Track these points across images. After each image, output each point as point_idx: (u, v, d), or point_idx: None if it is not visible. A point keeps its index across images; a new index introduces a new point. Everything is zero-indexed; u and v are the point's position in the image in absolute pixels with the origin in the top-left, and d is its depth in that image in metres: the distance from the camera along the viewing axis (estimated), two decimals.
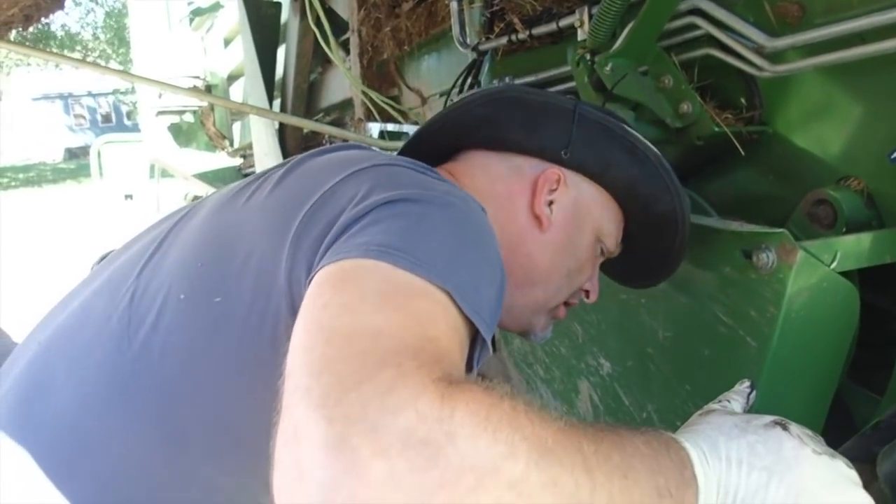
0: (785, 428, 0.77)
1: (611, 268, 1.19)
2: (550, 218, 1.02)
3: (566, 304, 1.11)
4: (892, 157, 1.12)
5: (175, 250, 0.88)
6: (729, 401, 0.91)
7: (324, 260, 0.70)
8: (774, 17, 1.19)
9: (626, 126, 1.06)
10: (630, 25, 1.33)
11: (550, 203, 1.02)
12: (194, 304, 0.81)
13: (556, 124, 1.03)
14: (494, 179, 1.03)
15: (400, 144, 1.97)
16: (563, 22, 1.58)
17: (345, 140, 2.22)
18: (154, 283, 0.85)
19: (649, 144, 1.06)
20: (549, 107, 1.04)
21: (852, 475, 0.76)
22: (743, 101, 1.33)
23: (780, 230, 0.97)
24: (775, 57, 1.19)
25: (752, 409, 0.97)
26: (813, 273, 0.98)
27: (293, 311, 0.74)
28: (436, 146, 1.09)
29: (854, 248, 1.04)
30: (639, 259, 1.15)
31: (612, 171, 1.05)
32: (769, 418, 0.78)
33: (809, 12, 1.16)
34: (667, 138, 1.37)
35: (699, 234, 1.09)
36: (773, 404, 1.06)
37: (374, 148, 1.04)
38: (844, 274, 1.04)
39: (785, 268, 0.96)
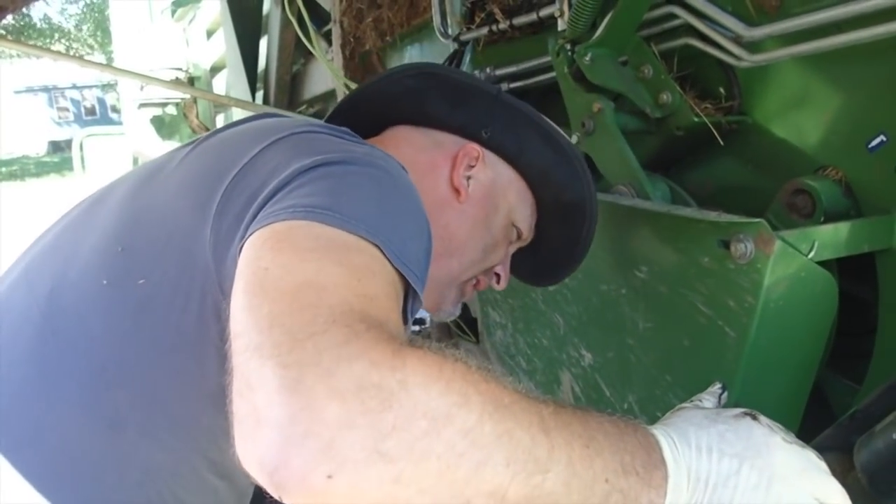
0: (754, 418, 0.77)
1: (520, 265, 1.22)
2: (468, 191, 1.05)
3: (476, 284, 1.15)
4: (870, 146, 1.12)
5: (93, 236, 0.87)
6: (701, 400, 0.93)
7: (253, 226, 0.71)
8: (752, 7, 1.19)
9: (543, 116, 1.10)
10: (610, 15, 1.32)
11: (469, 178, 1.06)
12: (118, 288, 0.81)
13: (478, 104, 1.07)
14: (417, 150, 1.06)
15: None
16: (544, 12, 1.57)
17: None
18: (73, 272, 0.84)
19: (564, 134, 1.11)
20: (473, 88, 1.08)
21: (822, 465, 0.76)
22: (722, 90, 1.33)
23: (758, 220, 0.96)
24: (753, 47, 1.19)
25: (727, 405, 0.97)
26: (791, 263, 0.98)
27: (220, 288, 0.76)
28: (362, 119, 1.11)
29: (832, 237, 1.04)
30: (547, 251, 1.20)
31: (527, 155, 1.09)
32: (739, 410, 0.79)
33: (787, 2, 1.16)
34: (647, 128, 1.37)
35: (678, 225, 1.09)
36: (752, 394, 1.06)
37: (289, 115, 1.06)
38: (823, 263, 1.04)
39: (763, 258, 0.96)
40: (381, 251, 0.70)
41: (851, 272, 1.15)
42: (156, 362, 0.80)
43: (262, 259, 0.65)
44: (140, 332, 0.80)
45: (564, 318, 1.43)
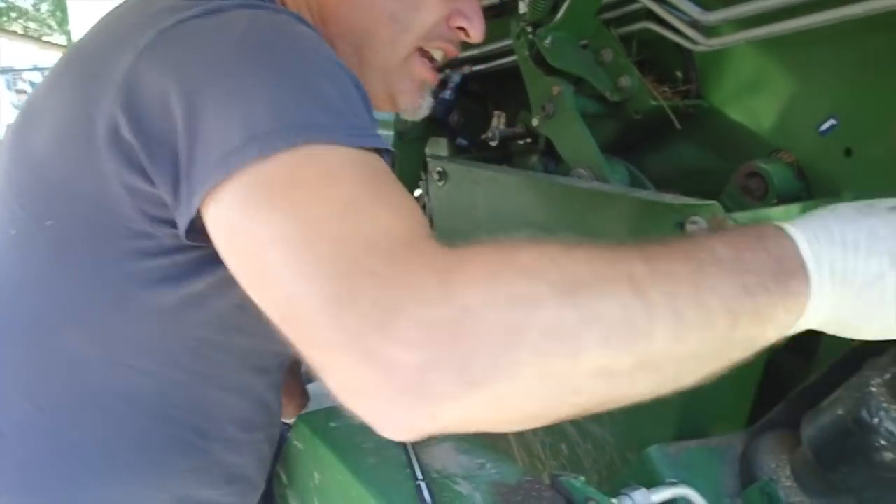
0: None
1: None
2: None
3: (435, 59, 1.00)
4: (821, 129, 1.14)
5: None
6: None
7: (195, 198, 0.66)
8: None
9: None
10: None
11: None
12: (28, 235, 0.79)
13: None
14: None
15: None
16: None
17: None
18: None
19: None
20: None
21: None
22: (679, 74, 1.34)
23: (711, 202, 0.98)
24: (709, 31, 1.20)
25: None
26: None
27: (143, 214, 0.74)
28: None
29: (783, 218, 1.05)
30: None
31: None
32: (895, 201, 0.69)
33: None
34: (606, 112, 1.38)
35: (634, 207, 1.11)
36: None
37: None
38: None
39: None
40: (337, 144, 0.64)
41: None
42: (94, 295, 0.79)
43: (256, 237, 0.61)
44: (67, 271, 0.78)
45: None
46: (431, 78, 0.97)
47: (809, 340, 1.20)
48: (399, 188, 0.65)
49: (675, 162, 1.45)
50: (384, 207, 0.61)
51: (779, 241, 0.63)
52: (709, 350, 0.59)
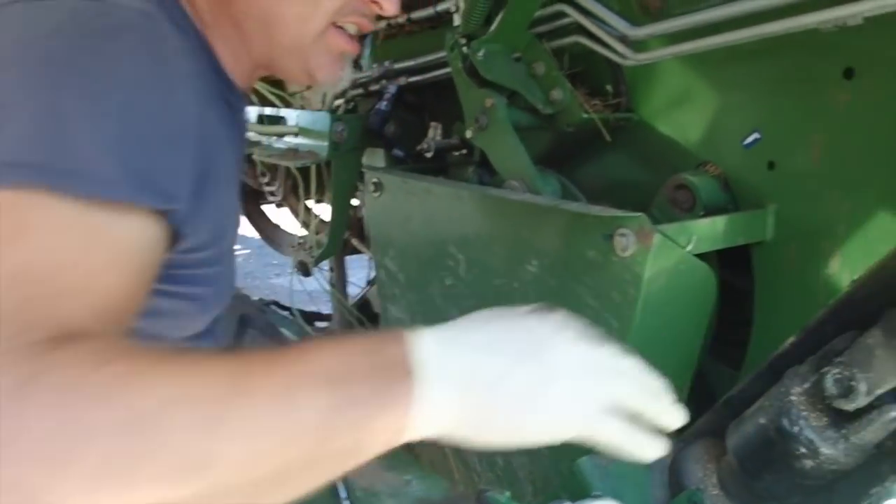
0: (547, 313, 0.66)
1: None
2: None
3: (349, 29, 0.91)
4: (746, 143, 1.17)
5: None
6: None
7: None
8: (637, 7, 1.22)
9: None
10: (503, 11, 1.33)
11: None
12: None
13: None
14: None
15: (278, 129, 1.93)
16: (441, 6, 1.57)
17: None
18: None
19: None
20: None
21: (621, 365, 0.66)
22: (609, 88, 1.36)
23: (638, 214, 0.99)
24: (638, 45, 1.22)
25: None
26: (670, 255, 1.01)
27: None
28: None
29: (709, 230, 1.08)
30: None
31: None
32: (536, 305, 0.68)
33: (670, 2, 1.19)
34: (539, 124, 1.38)
35: (565, 219, 1.11)
36: None
37: None
38: (703, 256, 1.08)
39: (643, 250, 0.99)
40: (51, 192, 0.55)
41: (732, 263, 1.20)
42: None
43: None
44: None
45: (460, 313, 1.43)
46: (351, 48, 0.91)
47: (736, 350, 1.24)
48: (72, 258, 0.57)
49: (607, 174, 1.47)
50: (56, 283, 0.55)
51: (396, 348, 0.61)
52: (296, 467, 0.57)
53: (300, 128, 1.85)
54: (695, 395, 1.18)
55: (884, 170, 1.01)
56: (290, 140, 1.87)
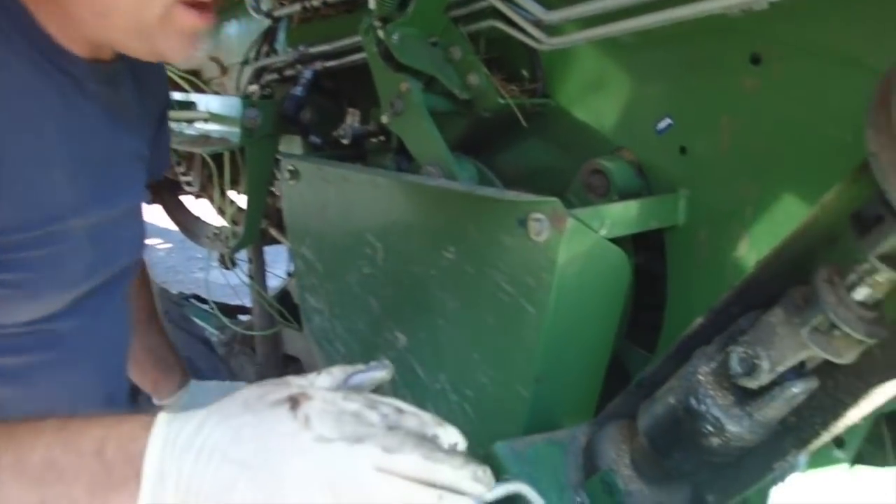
0: (294, 406, 0.61)
1: None
2: None
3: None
4: (658, 128, 1.18)
5: None
6: (320, 373, 0.70)
7: None
8: None
9: None
10: None
11: None
12: None
13: None
14: None
15: (189, 115, 1.86)
16: None
17: None
18: None
19: None
20: None
21: (363, 467, 0.59)
22: (526, 73, 1.36)
23: (552, 199, 0.99)
24: (553, 30, 1.22)
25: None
26: (583, 239, 1.01)
27: None
28: None
29: (622, 215, 1.09)
30: None
31: None
32: (289, 392, 0.63)
33: None
34: (456, 110, 1.37)
35: (480, 205, 1.10)
36: (552, 368, 1.10)
37: None
38: (618, 240, 1.09)
39: (556, 235, 0.98)
40: None
41: (648, 248, 1.21)
42: None
43: None
44: None
45: (379, 301, 1.42)
46: (202, 22, 0.85)
47: (653, 334, 1.26)
48: None
49: (526, 161, 1.47)
50: None
51: (131, 445, 0.58)
52: None
53: (211, 113, 1.79)
54: (612, 378, 1.20)
55: (790, 154, 1.03)
56: (202, 126, 1.81)
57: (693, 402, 0.81)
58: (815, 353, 0.71)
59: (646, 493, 0.93)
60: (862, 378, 0.76)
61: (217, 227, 2.28)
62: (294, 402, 0.61)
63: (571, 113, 1.34)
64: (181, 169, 2.24)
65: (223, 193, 2.06)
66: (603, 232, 1.04)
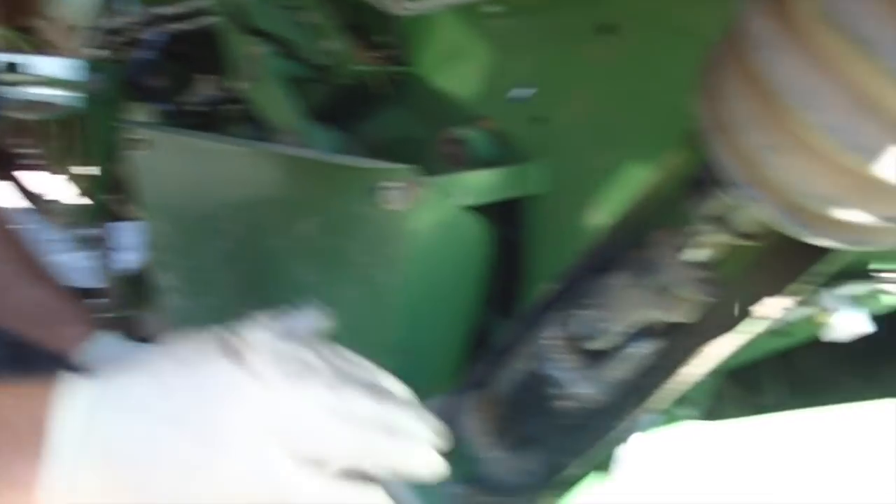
0: (230, 352, 0.56)
1: None
2: None
3: None
4: (517, 97, 1.18)
5: None
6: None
7: None
8: None
9: None
10: None
11: None
12: None
13: None
14: None
15: (25, 78, 1.73)
16: None
17: None
18: None
19: None
20: None
21: (313, 410, 0.55)
22: (386, 40, 1.33)
23: (404, 166, 0.97)
24: None
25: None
26: (438, 208, 1.00)
27: None
28: None
29: (479, 183, 1.09)
30: None
31: None
32: (222, 340, 0.59)
33: None
34: (314, 77, 1.33)
35: (333, 173, 1.08)
36: (413, 339, 1.09)
37: None
38: (479, 210, 1.09)
39: (410, 203, 0.97)
40: None
41: (510, 217, 1.22)
42: None
43: None
44: None
45: (238, 278, 1.37)
46: None
47: (517, 304, 1.27)
48: None
49: (389, 130, 1.44)
50: None
51: (41, 407, 0.51)
52: None
53: (51, 78, 1.66)
54: (480, 349, 1.20)
55: (642, 123, 1.05)
56: (40, 91, 1.68)
57: (542, 366, 0.82)
58: (654, 313, 0.73)
59: (504, 459, 0.94)
60: (699, 336, 0.79)
61: (62, 203, 2.14)
62: (229, 347, 0.57)
63: (432, 82, 1.32)
64: (21, 140, 2.08)
65: (65, 165, 1.92)
66: (458, 200, 1.04)
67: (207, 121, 1.54)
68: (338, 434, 0.55)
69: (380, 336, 1.08)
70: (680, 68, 0.98)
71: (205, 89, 1.51)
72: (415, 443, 0.59)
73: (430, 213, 0.99)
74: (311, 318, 0.69)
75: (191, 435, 0.52)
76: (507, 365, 0.89)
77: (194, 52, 1.71)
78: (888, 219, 0.55)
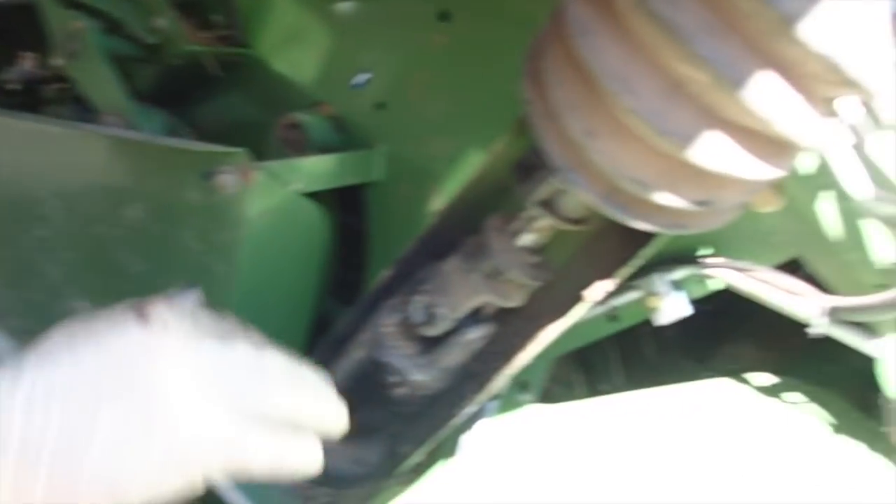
0: (142, 315, 0.51)
1: None
2: None
3: None
4: (357, 83, 1.16)
5: None
6: None
7: None
8: None
9: None
10: None
11: None
12: None
13: None
14: None
15: None
16: None
17: None
18: None
19: None
20: None
21: (242, 362, 0.54)
22: (221, 19, 1.27)
23: (239, 150, 0.94)
24: None
25: None
26: (275, 194, 0.97)
27: None
28: None
29: (317, 169, 1.06)
30: None
31: None
32: (126, 307, 0.53)
33: None
34: (144, 56, 1.25)
35: (164, 156, 1.02)
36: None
37: None
38: (319, 197, 1.06)
39: (244, 189, 0.93)
40: None
41: (353, 205, 1.20)
42: None
43: None
44: None
45: (59, 268, 1.27)
46: None
47: (355, 289, 1.25)
48: None
49: (226, 114, 1.39)
50: None
51: None
52: None
53: None
54: (318, 338, 1.17)
55: (479, 111, 1.06)
56: None
57: (379, 354, 0.81)
58: (487, 298, 0.74)
59: (342, 450, 0.92)
60: (533, 321, 0.81)
61: None
62: (140, 311, 0.51)
63: (271, 65, 1.28)
64: None
65: None
66: (296, 186, 1.01)
67: (28, 100, 1.42)
68: (273, 389, 0.54)
69: None
70: (512, 56, 1.01)
71: (25, 67, 1.39)
72: (331, 399, 0.61)
73: (265, 198, 0.96)
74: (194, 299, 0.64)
75: (120, 408, 0.48)
76: (345, 353, 0.87)
77: (13, 26, 1.57)
78: (699, 202, 0.57)
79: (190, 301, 0.63)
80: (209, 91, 1.37)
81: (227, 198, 0.94)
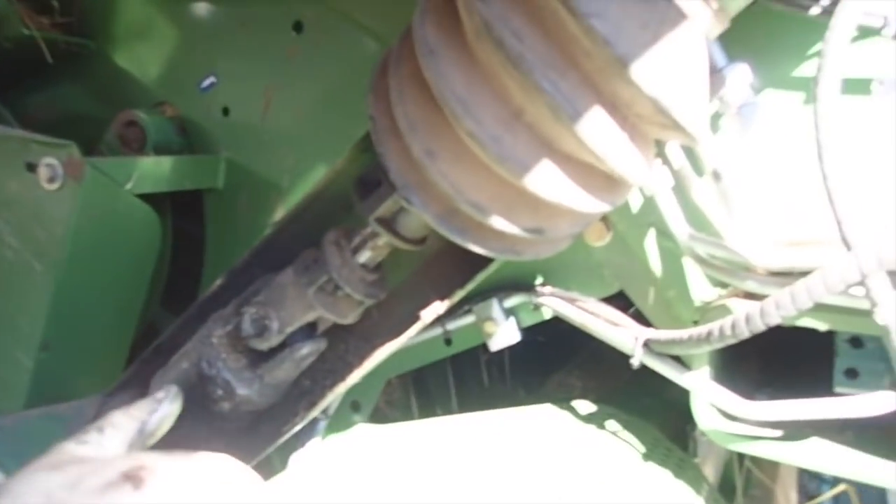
0: (139, 485, 0.45)
1: None
2: None
3: None
4: (202, 86, 1.13)
5: None
6: (102, 430, 0.55)
7: None
8: None
9: None
10: None
11: None
12: None
13: None
14: None
15: None
16: None
17: None
18: None
19: None
20: None
21: None
22: (63, 6, 1.20)
23: (67, 142, 0.88)
24: None
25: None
26: (105, 192, 0.92)
27: None
28: None
29: (153, 170, 1.02)
30: None
31: None
32: (119, 470, 0.46)
33: None
34: None
35: None
36: (64, 334, 0.98)
37: None
38: (153, 200, 1.01)
39: (72, 184, 0.88)
40: None
41: (189, 210, 1.15)
42: None
43: None
44: None
45: None
46: None
47: (190, 298, 1.20)
48: None
49: (61, 105, 1.30)
50: None
51: None
52: None
53: None
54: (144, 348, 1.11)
55: (326, 124, 1.06)
56: None
57: (205, 365, 0.77)
58: (321, 313, 0.73)
59: None
60: (366, 339, 0.80)
61: None
62: (135, 480, 0.44)
63: (113, 59, 1.22)
64: None
65: None
66: (129, 186, 0.96)
67: None
68: None
69: (25, 330, 0.96)
70: (363, 71, 1.01)
71: None
72: None
73: (94, 196, 0.90)
74: (172, 404, 0.66)
75: None
76: (170, 364, 0.83)
77: None
78: (532, 230, 0.59)
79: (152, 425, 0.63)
80: (44, 79, 1.28)
81: (53, 192, 0.88)
